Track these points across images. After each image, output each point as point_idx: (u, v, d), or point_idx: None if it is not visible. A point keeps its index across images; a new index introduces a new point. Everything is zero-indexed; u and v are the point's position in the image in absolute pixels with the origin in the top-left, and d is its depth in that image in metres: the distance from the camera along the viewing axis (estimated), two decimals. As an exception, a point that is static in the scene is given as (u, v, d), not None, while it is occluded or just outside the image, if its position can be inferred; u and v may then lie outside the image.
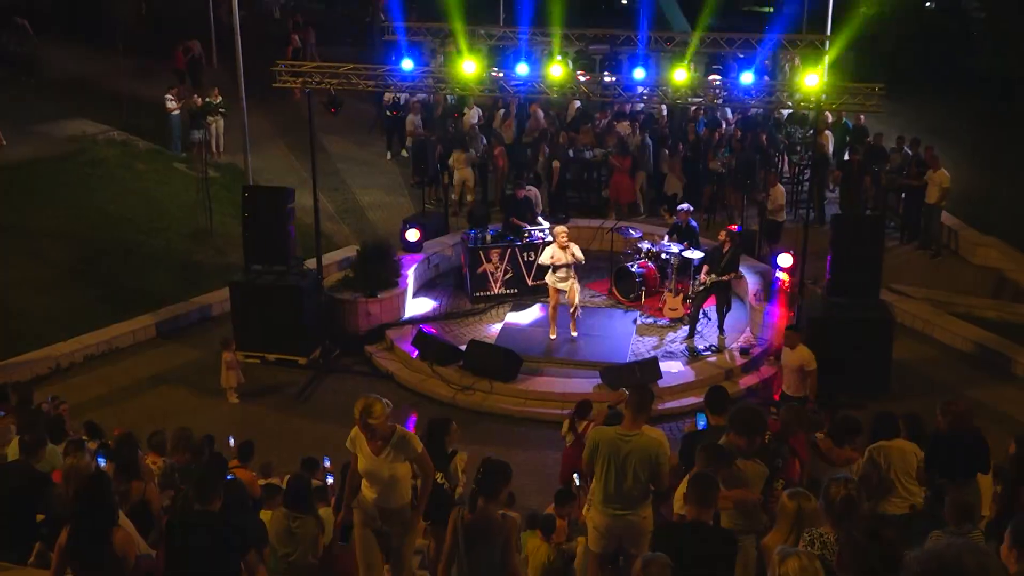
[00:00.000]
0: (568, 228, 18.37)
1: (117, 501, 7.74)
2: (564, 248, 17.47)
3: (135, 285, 19.98)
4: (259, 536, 8.62)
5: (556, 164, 23.02)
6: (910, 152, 22.39)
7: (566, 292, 17.70)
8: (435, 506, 10.85)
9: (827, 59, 22.54)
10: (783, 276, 18.60)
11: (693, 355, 17.94)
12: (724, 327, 18.18)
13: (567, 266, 17.47)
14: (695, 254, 18.62)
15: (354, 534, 8.54)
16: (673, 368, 17.42)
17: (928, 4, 40.70)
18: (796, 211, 22.46)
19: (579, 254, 17.56)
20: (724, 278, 17.65)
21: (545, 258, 17.82)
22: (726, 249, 17.66)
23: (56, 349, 17.95)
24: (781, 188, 21.49)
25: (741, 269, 19.65)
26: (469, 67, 17.74)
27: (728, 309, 18.16)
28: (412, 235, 20.61)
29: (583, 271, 18.24)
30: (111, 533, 7.04)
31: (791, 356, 14.63)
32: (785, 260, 18.65)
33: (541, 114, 24.79)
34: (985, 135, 26.95)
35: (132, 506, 8.91)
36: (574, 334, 18.19)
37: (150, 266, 20.77)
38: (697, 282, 18.28)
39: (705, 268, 17.92)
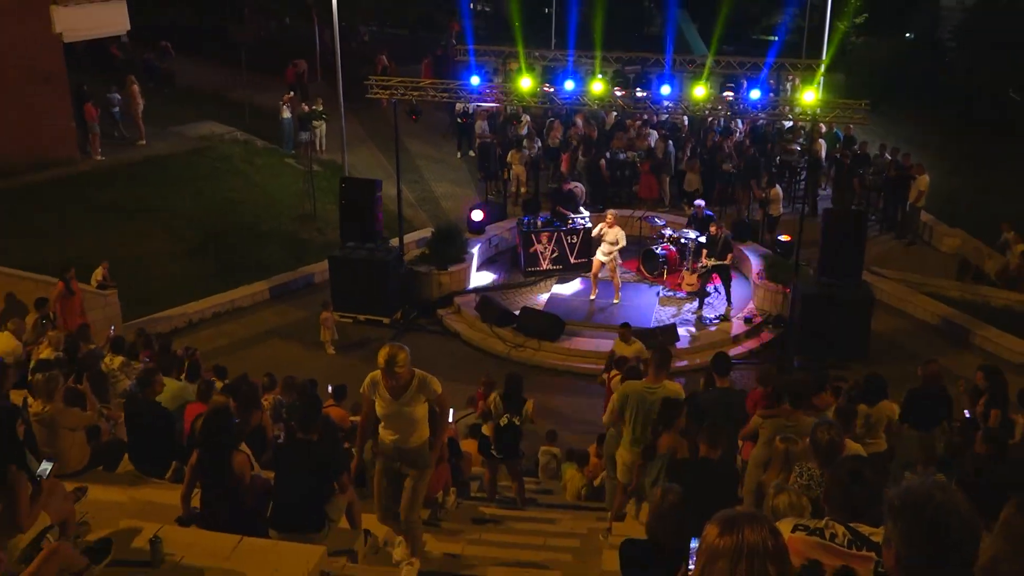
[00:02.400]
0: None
1: (238, 430, 7.82)
2: (611, 227, 17.86)
3: (253, 257, 20.19)
4: (348, 462, 8.66)
5: (603, 163, 23.01)
6: (890, 157, 22.15)
7: (606, 264, 17.99)
8: (508, 443, 11.00)
9: (821, 79, 22.24)
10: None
11: (701, 321, 17.92)
12: (731, 299, 18.12)
13: (610, 243, 17.73)
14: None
15: (372, 476, 7.41)
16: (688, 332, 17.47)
17: (908, 36, 40.10)
18: (793, 205, 22.21)
19: (611, 237, 17.72)
20: (723, 262, 17.68)
21: (595, 230, 18.38)
22: (719, 237, 17.64)
23: (189, 307, 18.20)
24: (779, 190, 21.27)
25: (747, 252, 19.58)
26: (525, 83, 17.72)
27: (730, 283, 18.15)
28: (477, 215, 20.73)
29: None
30: (231, 456, 7.12)
31: (626, 349, 13.61)
32: (783, 239, 18.57)
33: (580, 122, 24.72)
34: (954, 143, 26.62)
35: (250, 434, 9.01)
36: (616, 301, 18.28)
37: (264, 242, 20.95)
38: (700, 264, 18.25)
39: (704, 252, 17.93)
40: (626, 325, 14.14)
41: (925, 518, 2.62)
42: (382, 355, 6.72)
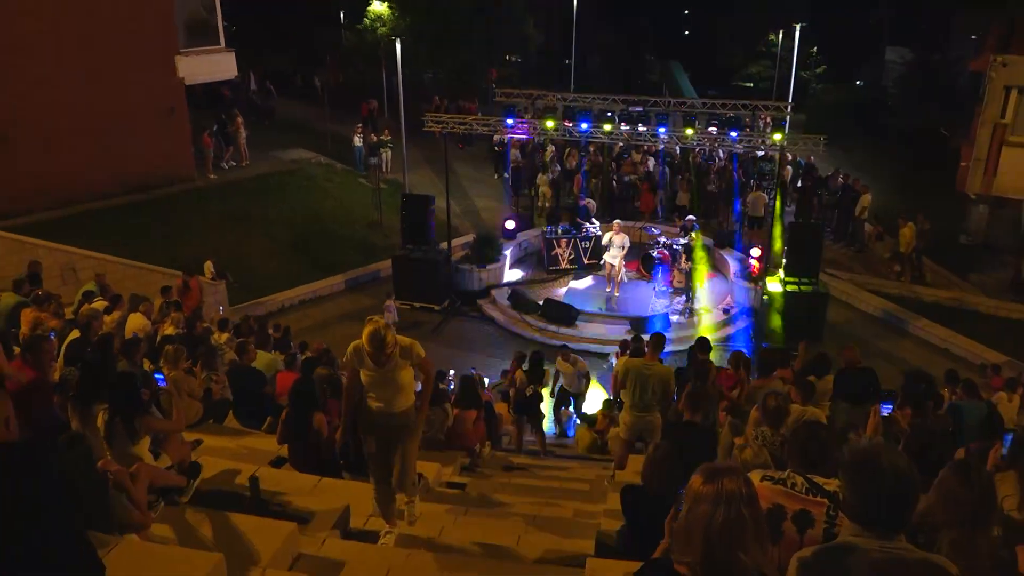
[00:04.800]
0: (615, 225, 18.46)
1: (320, 394, 7.88)
2: (617, 234, 17.76)
3: (331, 256, 20.26)
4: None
5: (614, 183, 22.89)
6: (842, 181, 21.94)
7: (615, 265, 17.90)
8: (529, 405, 11.00)
9: (788, 118, 21.96)
10: (754, 262, 18.29)
11: (691, 313, 17.77)
12: (695, 297, 18.07)
13: (618, 247, 17.70)
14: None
15: (366, 443, 5.99)
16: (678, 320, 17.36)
17: (859, 83, 39.72)
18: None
19: (619, 242, 17.68)
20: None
21: (605, 239, 18.24)
22: (694, 247, 17.56)
23: (280, 295, 18.31)
24: (763, 195, 21.11)
25: (726, 256, 19.44)
26: (549, 119, 17.69)
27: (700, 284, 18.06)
28: (510, 224, 20.79)
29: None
30: (312, 415, 7.17)
31: (568, 367, 12.77)
32: (755, 251, 18.33)
33: (593, 151, 24.59)
34: (895, 170, 26.37)
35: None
36: (617, 294, 18.19)
37: (341, 244, 21.04)
38: (678, 267, 18.16)
39: (683, 257, 17.82)
40: (565, 346, 13.58)
41: (869, 472, 2.60)
42: (370, 338, 5.44)
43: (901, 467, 2.59)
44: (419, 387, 6.07)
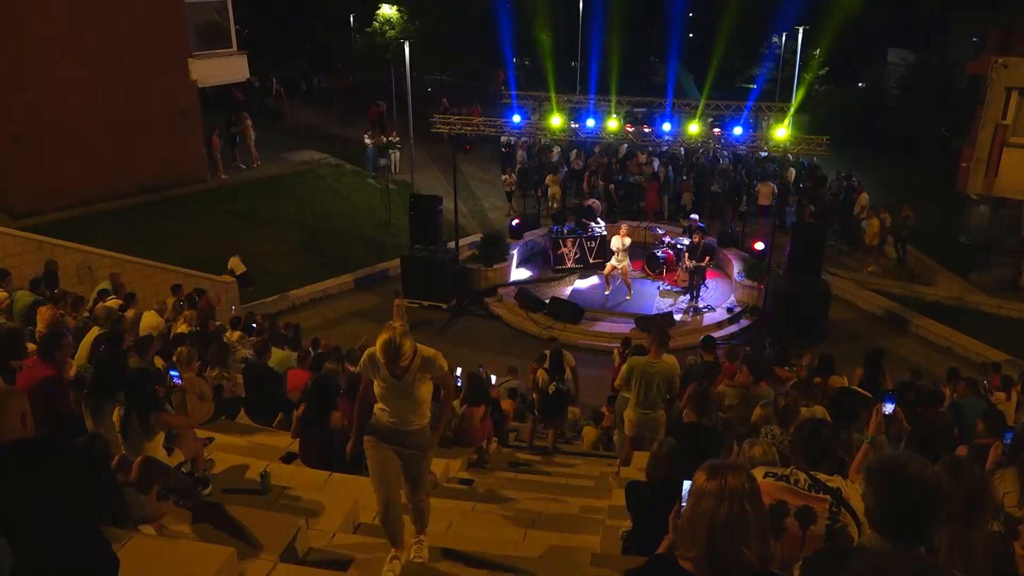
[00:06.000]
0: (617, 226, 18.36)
1: (335, 390, 7.89)
2: (623, 237, 17.59)
3: (341, 255, 20.29)
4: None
5: (612, 187, 22.80)
6: (844, 183, 21.86)
7: (618, 267, 17.74)
8: (554, 404, 10.92)
9: (790, 119, 21.98)
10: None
11: (696, 311, 17.72)
12: (699, 296, 17.92)
13: (622, 249, 17.55)
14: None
15: (367, 457, 5.11)
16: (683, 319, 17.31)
17: (860, 84, 39.57)
18: (768, 219, 21.97)
19: (618, 244, 17.56)
20: (701, 264, 17.52)
21: (611, 243, 17.91)
22: (699, 245, 17.46)
23: (291, 294, 18.35)
24: (771, 184, 21.03)
25: (730, 256, 19.39)
26: (556, 120, 17.65)
27: (703, 283, 17.90)
28: (514, 222, 20.86)
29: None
30: (329, 413, 7.18)
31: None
32: (759, 245, 18.33)
33: (598, 152, 24.58)
34: (894, 171, 26.26)
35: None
36: (628, 297, 18.09)
37: (350, 244, 21.06)
38: (682, 266, 18.09)
39: (686, 255, 17.77)
40: (554, 340, 13.40)
41: (895, 481, 2.56)
42: (384, 347, 4.68)
43: (928, 479, 2.53)
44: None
